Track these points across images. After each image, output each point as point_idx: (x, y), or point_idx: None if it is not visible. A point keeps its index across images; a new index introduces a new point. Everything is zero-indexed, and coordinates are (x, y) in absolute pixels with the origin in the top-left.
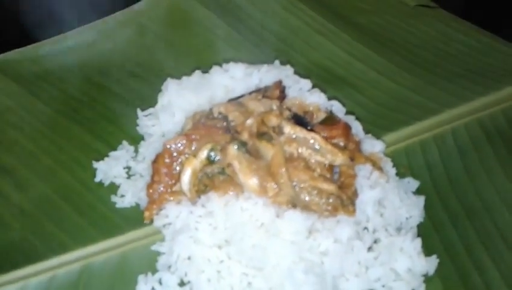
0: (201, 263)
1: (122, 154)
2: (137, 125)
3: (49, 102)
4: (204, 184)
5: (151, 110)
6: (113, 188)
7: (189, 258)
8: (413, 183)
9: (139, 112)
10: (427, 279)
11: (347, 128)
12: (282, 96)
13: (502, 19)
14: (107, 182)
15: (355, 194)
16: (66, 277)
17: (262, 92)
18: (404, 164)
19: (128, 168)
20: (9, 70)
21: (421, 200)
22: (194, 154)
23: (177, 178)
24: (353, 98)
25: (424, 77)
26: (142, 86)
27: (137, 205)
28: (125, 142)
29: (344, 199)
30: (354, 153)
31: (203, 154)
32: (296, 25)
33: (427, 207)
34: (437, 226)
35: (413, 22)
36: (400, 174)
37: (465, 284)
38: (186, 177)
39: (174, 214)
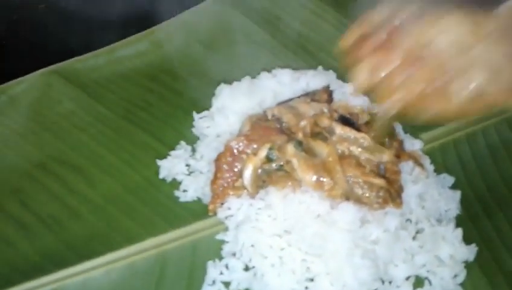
0: (264, 250)
1: (181, 153)
2: (193, 126)
3: (109, 106)
4: (263, 180)
5: (205, 112)
6: (175, 184)
7: (252, 245)
8: (448, 179)
9: (195, 115)
10: (467, 265)
11: (393, 128)
12: (330, 100)
13: None
14: (169, 179)
15: (401, 188)
16: (143, 264)
17: (310, 96)
18: (439, 161)
19: (188, 165)
20: (72, 77)
21: (457, 194)
22: (255, 153)
23: (238, 175)
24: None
25: None
26: (190, 90)
27: (199, 199)
28: (182, 142)
29: (392, 192)
30: (399, 150)
31: (263, 152)
32: (331, 32)
33: (463, 200)
34: (472, 217)
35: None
36: (436, 171)
37: (501, 269)
38: (248, 174)
39: (236, 207)
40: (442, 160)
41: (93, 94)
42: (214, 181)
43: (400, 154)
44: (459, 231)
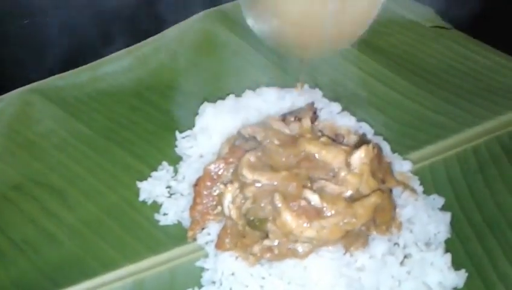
0: (244, 279)
1: (163, 175)
2: (176, 146)
3: (90, 124)
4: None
5: (188, 132)
6: (156, 207)
7: (232, 274)
8: (438, 200)
9: (178, 134)
10: None
11: (379, 151)
12: (314, 118)
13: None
14: (150, 201)
15: (391, 218)
16: None
17: (295, 114)
18: (429, 181)
19: (169, 187)
20: (52, 94)
21: (447, 216)
22: (232, 181)
23: (218, 200)
24: (377, 119)
25: (444, 97)
26: (175, 108)
27: (179, 222)
28: (165, 163)
29: (377, 220)
30: (386, 175)
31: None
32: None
33: (453, 222)
34: (463, 240)
35: (429, 43)
36: (426, 192)
37: None
38: (227, 203)
39: (216, 232)
40: (431, 180)
41: (74, 112)
42: (193, 207)
43: (387, 179)
44: (448, 257)
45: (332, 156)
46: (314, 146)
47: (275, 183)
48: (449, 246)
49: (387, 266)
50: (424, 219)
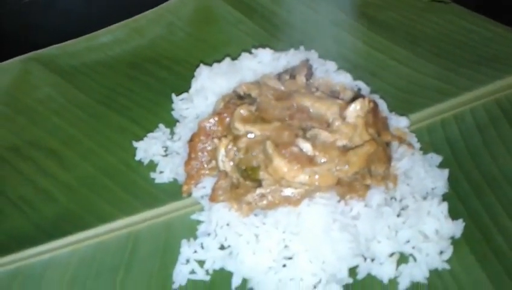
0: (239, 228)
1: (159, 135)
2: (172, 109)
3: (87, 92)
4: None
5: (185, 95)
6: (152, 166)
7: (227, 224)
8: (436, 158)
9: (174, 97)
10: (454, 242)
11: (375, 105)
12: (309, 74)
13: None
14: (146, 161)
15: (387, 169)
16: (114, 242)
17: (290, 72)
18: (427, 141)
19: (166, 148)
20: (50, 63)
21: (445, 172)
22: (225, 135)
23: (212, 155)
24: (374, 85)
25: (442, 64)
26: (172, 76)
27: (175, 180)
28: (161, 125)
29: (372, 169)
30: (381, 129)
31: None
32: (317, 20)
33: (451, 180)
34: (461, 197)
35: (428, 15)
36: (424, 151)
37: (490, 246)
38: (221, 156)
39: (210, 186)
40: (429, 140)
41: (72, 80)
42: (187, 162)
43: (382, 133)
44: (445, 205)
45: (326, 108)
46: (308, 99)
47: (267, 133)
48: (447, 200)
49: (383, 217)
50: (421, 173)
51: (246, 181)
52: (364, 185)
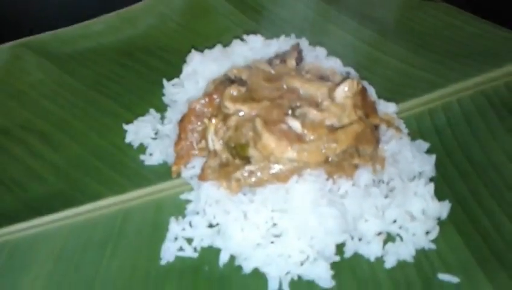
0: (227, 205)
1: (149, 119)
2: (163, 95)
3: (78, 78)
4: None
5: (176, 80)
6: (142, 149)
7: (216, 202)
8: (423, 145)
9: (165, 82)
10: (441, 223)
11: (363, 88)
12: (300, 58)
13: (503, 13)
14: (136, 144)
15: (374, 149)
16: (102, 220)
17: (280, 57)
18: (414, 129)
19: (156, 131)
20: (42, 49)
21: (432, 157)
22: (215, 115)
23: (202, 135)
24: (362, 76)
25: (430, 57)
26: (163, 65)
27: (165, 162)
28: (152, 110)
29: (360, 149)
30: (369, 112)
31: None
32: (307, 14)
33: (438, 165)
34: (448, 181)
35: (418, 13)
36: (411, 137)
37: (476, 227)
38: (210, 135)
39: (200, 166)
40: (417, 128)
41: (63, 66)
42: (177, 143)
43: (371, 116)
44: (431, 186)
45: (315, 89)
46: (297, 81)
47: (257, 112)
48: (434, 185)
49: (371, 197)
50: (409, 157)
51: (235, 159)
52: (352, 165)
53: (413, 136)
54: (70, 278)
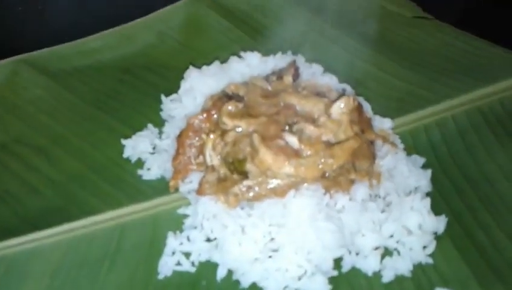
0: (225, 220)
1: (147, 134)
2: (161, 110)
3: (77, 94)
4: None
5: (174, 96)
6: (140, 164)
7: (214, 216)
8: (419, 160)
9: (163, 97)
10: (438, 237)
11: (359, 105)
12: (296, 75)
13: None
14: (134, 159)
15: (371, 165)
16: (100, 235)
17: (277, 73)
18: (410, 144)
19: (154, 146)
20: (40, 65)
21: (428, 172)
22: (213, 131)
23: (200, 150)
24: (358, 92)
25: (425, 74)
26: (162, 81)
27: (163, 177)
28: (150, 125)
29: (356, 165)
30: (365, 128)
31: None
32: (303, 30)
33: (434, 180)
34: (444, 196)
35: (412, 30)
36: (407, 152)
37: (473, 241)
38: (208, 150)
39: (197, 181)
40: (412, 144)
41: (62, 83)
42: (175, 158)
43: (367, 132)
44: (427, 201)
45: (312, 105)
46: (294, 97)
47: (254, 128)
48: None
49: (368, 211)
50: (405, 172)
51: (232, 174)
52: (348, 180)
53: (409, 151)
54: None
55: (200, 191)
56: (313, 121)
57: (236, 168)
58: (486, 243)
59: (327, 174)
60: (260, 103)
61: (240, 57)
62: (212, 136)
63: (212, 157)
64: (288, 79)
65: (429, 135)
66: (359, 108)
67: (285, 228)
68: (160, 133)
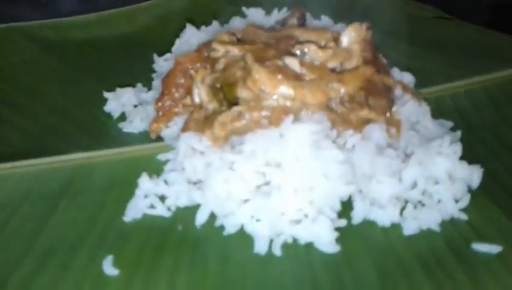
0: (210, 157)
1: (134, 90)
2: (154, 71)
3: (66, 62)
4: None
5: (167, 55)
6: (123, 119)
7: (197, 154)
8: (446, 124)
9: (156, 57)
10: (472, 194)
11: (372, 43)
12: (303, 19)
13: None
14: (117, 114)
15: (388, 104)
16: (60, 172)
17: (281, 22)
18: (434, 109)
19: (141, 103)
20: (33, 34)
21: (457, 134)
22: (205, 67)
23: (188, 91)
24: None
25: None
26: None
27: (146, 132)
28: (139, 84)
29: (370, 102)
30: (380, 71)
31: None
32: None
33: (464, 143)
34: (479, 158)
35: (431, 28)
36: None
37: None
38: (197, 88)
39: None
40: (437, 109)
41: (53, 51)
42: (158, 99)
43: (384, 76)
44: (458, 146)
45: (317, 35)
46: (297, 30)
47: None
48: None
49: (384, 155)
50: (429, 126)
51: (221, 106)
52: (361, 119)
53: (434, 116)
54: (11, 227)
55: (184, 129)
56: (319, 47)
57: (226, 94)
58: None
59: (334, 106)
60: (259, 34)
61: (242, 16)
62: (201, 71)
63: (201, 92)
64: (292, 21)
65: (456, 102)
66: (372, 47)
67: (282, 163)
68: (149, 90)
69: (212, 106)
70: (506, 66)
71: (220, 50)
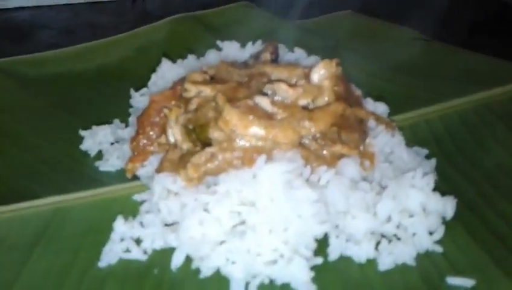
0: (184, 197)
1: (110, 127)
2: (131, 106)
3: (41, 97)
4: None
5: (144, 90)
6: (100, 157)
7: (172, 195)
8: (421, 151)
9: (132, 91)
10: (447, 225)
11: (343, 77)
12: (276, 54)
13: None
14: (93, 152)
15: (360, 138)
16: (34, 218)
17: (254, 55)
18: (410, 138)
19: (118, 141)
20: (8, 70)
21: (432, 162)
22: (179, 106)
23: (162, 130)
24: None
25: (426, 81)
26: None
27: (123, 170)
28: (116, 120)
29: (343, 137)
30: (353, 104)
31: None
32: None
33: (439, 171)
34: (454, 187)
35: (408, 49)
36: (406, 145)
37: (489, 228)
38: (171, 127)
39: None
40: (413, 137)
41: (27, 87)
42: (133, 138)
43: (355, 108)
44: (430, 178)
45: (289, 72)
46: (269, 67)
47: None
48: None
49: (359, 189)
50: (404, 157)
51: (196, 147)
52: (334, 154)
53: (409, 144)
54: None
55: (159, 170)
56: (290, 85)
57: (198, 135)
58: (505, 229)
59: (307, 142)
60: (231, 72)
61: (218, 49)
62: (175, 110)
63: (175, 131)
64: (266, 56)
65: (431, 127)
66: (344, 81)
67: (256, 204)
68: (127, 126)
69: (186, 145)
70: (480, 88)
71: (192, 90)
